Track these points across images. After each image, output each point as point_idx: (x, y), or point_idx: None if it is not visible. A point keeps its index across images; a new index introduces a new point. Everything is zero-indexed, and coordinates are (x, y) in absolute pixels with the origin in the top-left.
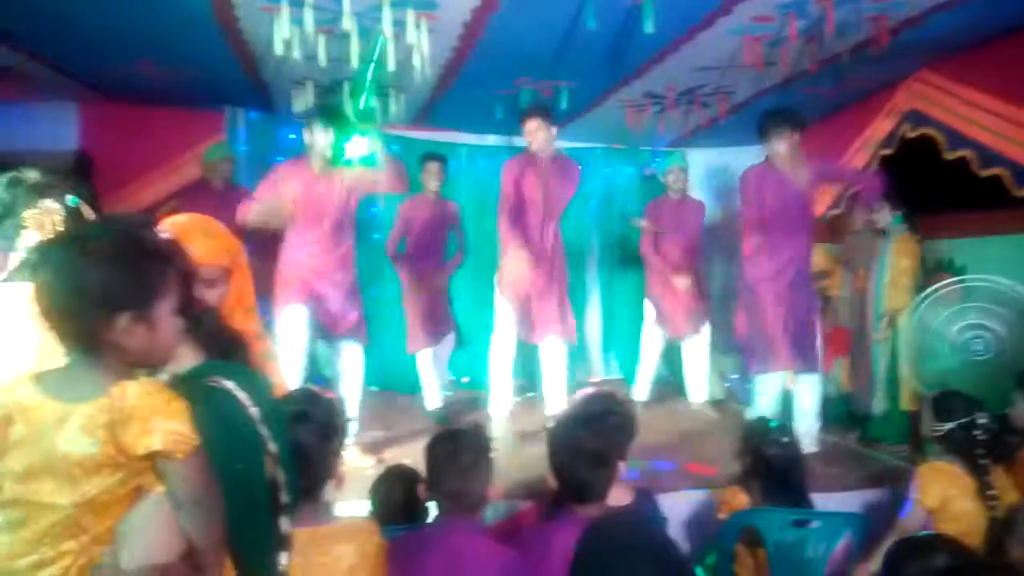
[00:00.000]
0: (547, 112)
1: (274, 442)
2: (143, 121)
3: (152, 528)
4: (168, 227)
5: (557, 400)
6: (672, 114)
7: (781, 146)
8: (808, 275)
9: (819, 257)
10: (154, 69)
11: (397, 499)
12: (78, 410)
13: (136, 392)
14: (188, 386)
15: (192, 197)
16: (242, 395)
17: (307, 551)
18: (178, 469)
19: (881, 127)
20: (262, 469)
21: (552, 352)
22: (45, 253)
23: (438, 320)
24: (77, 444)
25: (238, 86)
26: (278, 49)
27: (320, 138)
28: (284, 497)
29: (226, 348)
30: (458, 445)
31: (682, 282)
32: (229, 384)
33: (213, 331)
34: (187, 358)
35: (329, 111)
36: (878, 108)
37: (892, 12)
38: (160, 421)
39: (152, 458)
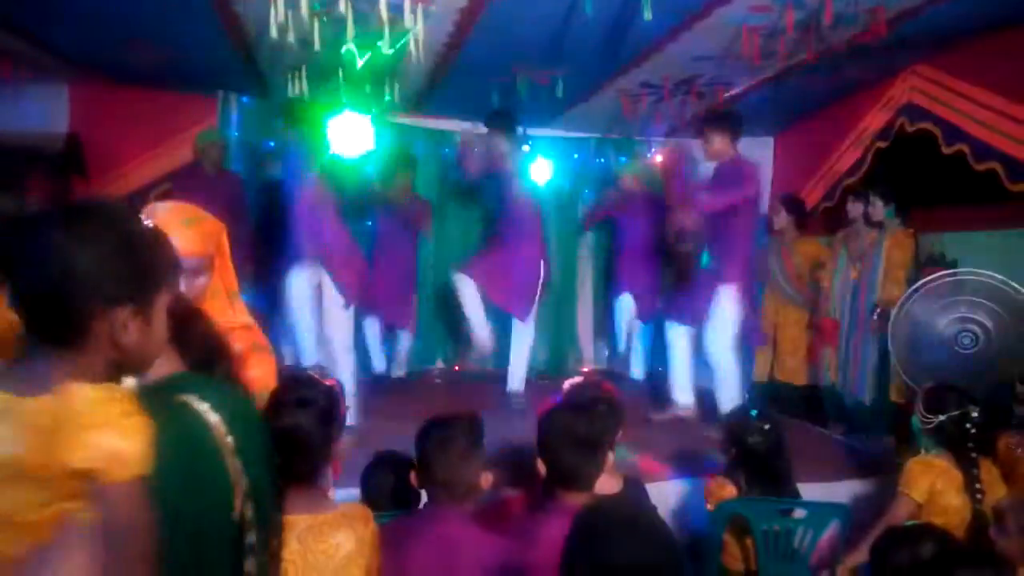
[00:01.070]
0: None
1: (247, 475)
2: (135, 104)
3: (69, 569)
4: (149, 216)
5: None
6: (668, 104)
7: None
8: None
9: (811, 248)
10: (147, 51)
11: (388, 486)
12: (21, 405)
13: (89, 397)
14: (155, 400)
15: (183, 181)
16: (215, 419)
17: (305, 538)
18: (112, 495)
19: (877, 120)
20: (228, 508)
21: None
22: (30, 226)
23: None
24: (1, 443)
25: (231, 70)
26: (273, 33)
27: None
28: (251, 537)
29: (209, 356)
30: (450, 433)
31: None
32: (203, 406)
33: (197, 335)
34: (162, 367)
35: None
36: (874, 101)
37: (890, 4)
38: (107, 435)
39: (86, 478)
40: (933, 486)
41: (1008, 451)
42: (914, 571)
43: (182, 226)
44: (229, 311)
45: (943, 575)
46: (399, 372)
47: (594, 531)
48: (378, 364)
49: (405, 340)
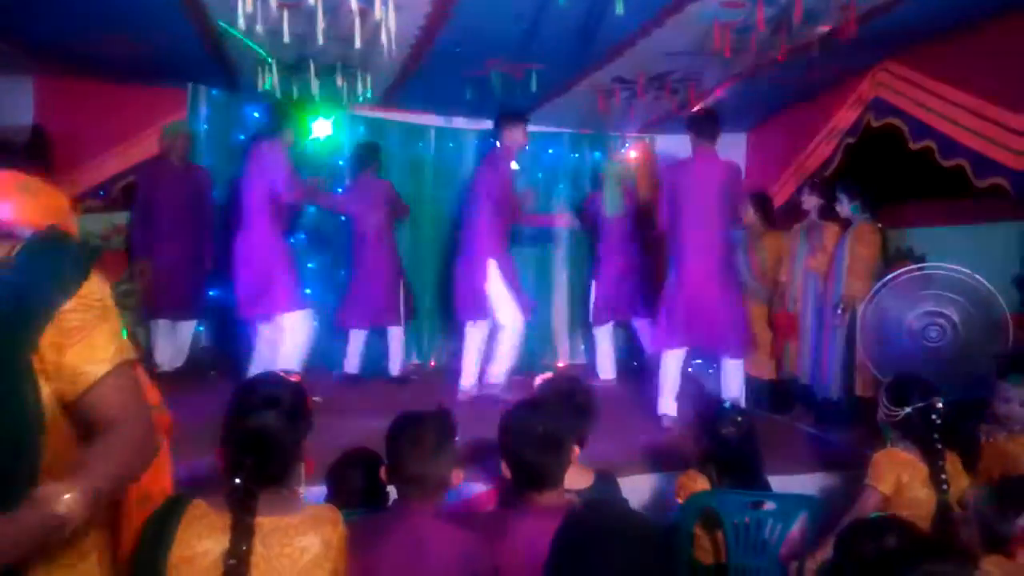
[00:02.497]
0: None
1: None
2: (102, 97)
3: None
4: None
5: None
6: (641, 100)
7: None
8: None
9: (777, 243)
10: (114, 44)
11: (357, 483)
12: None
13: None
14: None
15: (147, 172)
16: None
17: (269, 541)
18: None
19: (846, 116)
20: None
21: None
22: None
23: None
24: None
25: (200, 63)
26: (241, 25)
27: None
28: None
29: None
30: (421, 428)
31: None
32: None
33: None
34: None
35: None
36: (845, 97)
37: (860, 0)
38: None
39: None
40: (899, 478)
41: (992, 444)
42: (879, 563)
43: (16, 191)
44: None
45: (908, 567)
46: (394, 372)
47: (584, 537)
48: (351, 368)
49: (395, 338)
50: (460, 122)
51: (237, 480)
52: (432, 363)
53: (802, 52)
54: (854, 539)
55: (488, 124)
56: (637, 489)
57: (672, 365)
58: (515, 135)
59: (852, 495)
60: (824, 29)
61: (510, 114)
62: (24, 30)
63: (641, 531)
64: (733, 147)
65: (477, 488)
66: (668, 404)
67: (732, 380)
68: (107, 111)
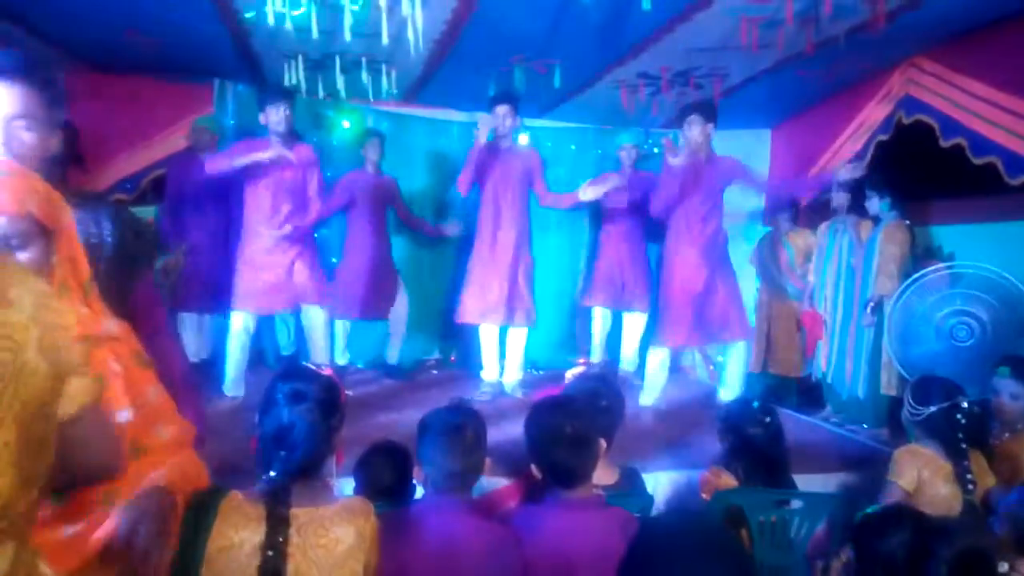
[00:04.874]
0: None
1: None
2: (130, 93)
3: None
4: None
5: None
6: (666, 96)
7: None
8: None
9: (804, 240)
10: (142, 40)
11: (385, 477)
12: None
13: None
14: None
15: (176, 167)
16: None
17: (305, 532)
18: None
19: (876, 113)
20: None
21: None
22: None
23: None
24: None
25: (227, 58)
26: (269, 20)
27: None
28: None
29: None
30: (458, 423)
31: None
32: None
33: None
34: None
35: None
36: (873, 94)
37: None
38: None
39: None
40: (920, 475)
41: (1000, 445)
42: (897, 554)
43: None
44: (84, 311)
45: (923, 553)
46: (392, 360)
47: (663, 549)
48: (340, 358)
49: (395, 328)
50: (484, 118)
51: (271, 472)
52: (452, 358)
53: (830, 47)
54: (865, 531)
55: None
56: (660, 484)
57: (659, 360)
58: (496, 118)
59: (875, 493)
60: (852, 24)
61: (494, 97)
62: (55, 27)
63: (719, 542)
64: (758, 144)
65: (500, 482)
66: (650, 398)
67: (735, 368)
68: (135, 106)
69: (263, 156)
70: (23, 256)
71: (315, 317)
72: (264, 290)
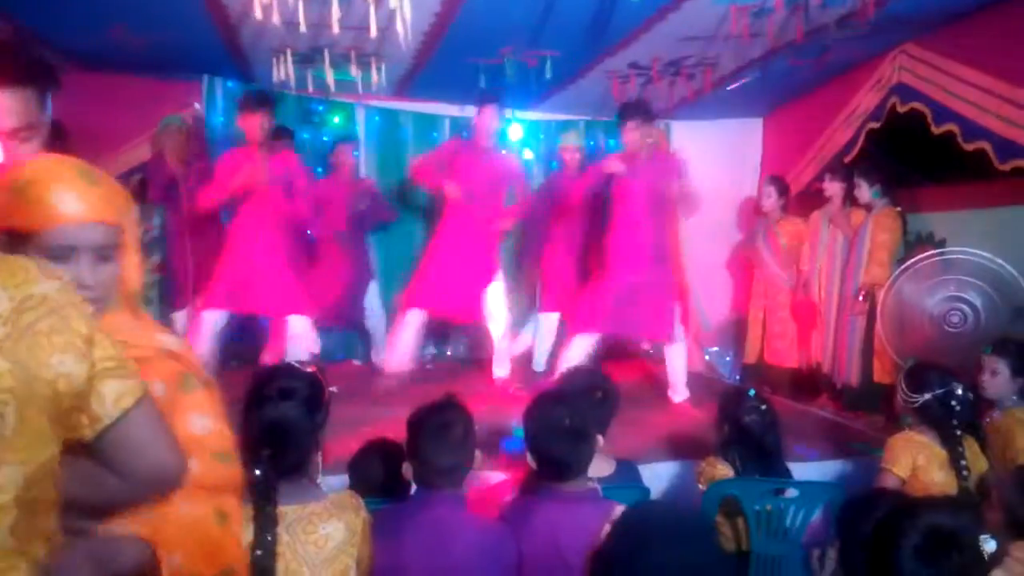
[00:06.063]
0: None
1: None
2: (118, 91)
3: None
4: (31, 171)
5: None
6: (657, 86)
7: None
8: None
9: (797, 228)
10: (129, 37)
11: (379, 474)
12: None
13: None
14: None
15: (152, 171)
16: None
17: (294, 530)
18: None
19: (867, 100)
20: None
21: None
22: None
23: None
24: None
25: (215, 54)
26: (257, 14)
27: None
28: None
29: None
30: (447, 419)
31: None
32: None
33: None
34: None
35: None
36: (863, 81)
37: None
38: None
39: None
40: (915, 461)
41: (989, 423)
42: (879, 532)
43: (82, 181)
44: (135, 325)
45: (908, 523)
46: (376, 359)
47: (639, 539)
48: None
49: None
50: (474, 111)
51: (257, 471)
52: (448, 352)
53: (820, 35)
54: (847, 517)
55: (505, 113)
56: (657, 476)
57: (580, 350)
58: (483, 119)
59: (869, 480)
60: (843, 12)
61: (481, 98)
62: (43, 25)
63: (694, 531)
64: (750, 133)
65: (494, 476)
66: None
67: (676, 364)
68: (123, 104)
69: (252, 180)
70: (106, 267)
71: (297, 320)
72: (242, 290)
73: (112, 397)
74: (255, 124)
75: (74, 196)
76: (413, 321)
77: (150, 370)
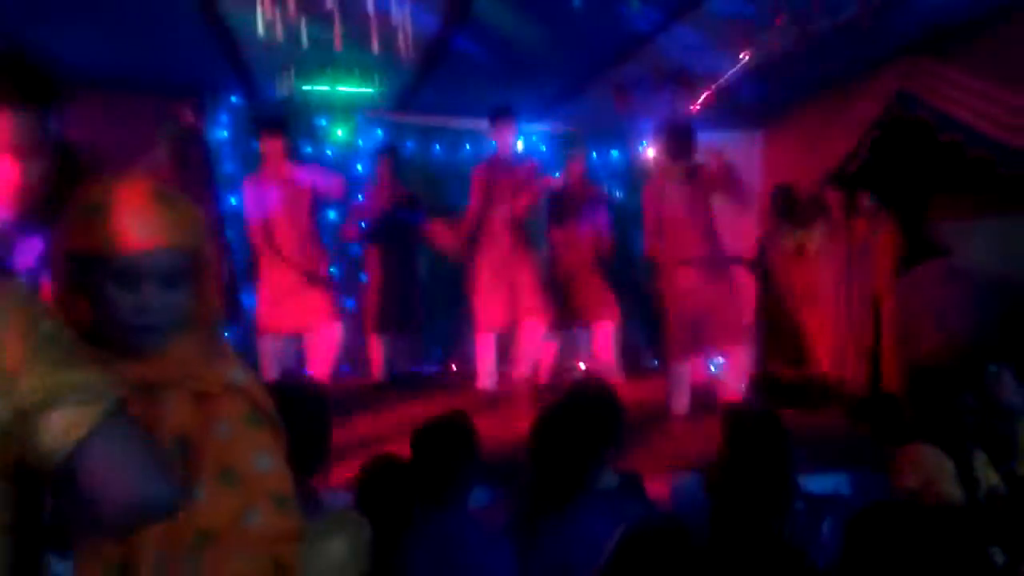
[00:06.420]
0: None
1: None
2: (122, 108)
3: None
4: (99, 193)
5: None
6: (658, 97)
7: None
8: None
9: (798, 238)
10: (132, 54)
11: (385, 491)
12: None
13: None
14: None
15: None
16: None
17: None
18: None
19: (870, 110)
20: None
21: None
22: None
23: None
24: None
25: (218, 71)
26: (259, 31)
27: None
28: None
29: None
30: (449, 435)
31: None
32: None
33: None
34: None
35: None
36: (865, 91)
37: None
38: None
39: None
40: (924, 472)
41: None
42: (894, 548)
43: (151, 205)
44: (212, 355)
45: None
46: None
47: (642, 558)
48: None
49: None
50: (476, 124)
51: None
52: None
53: (821, 45)
54: (858, 529)
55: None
56: (661, 490)
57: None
58: (501, 133)
59: (880, 492)
60: (842, 21)
61: (495, 112)
62: (42, 42)
63: (696, 547)
64: (751, 144)
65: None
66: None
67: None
68: (127, 122)
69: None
70: (174, 293)
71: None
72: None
73: (60, 428)
74: (277, 146)
75: (140, 222)
76: (485, 343)
77: (216, 408)
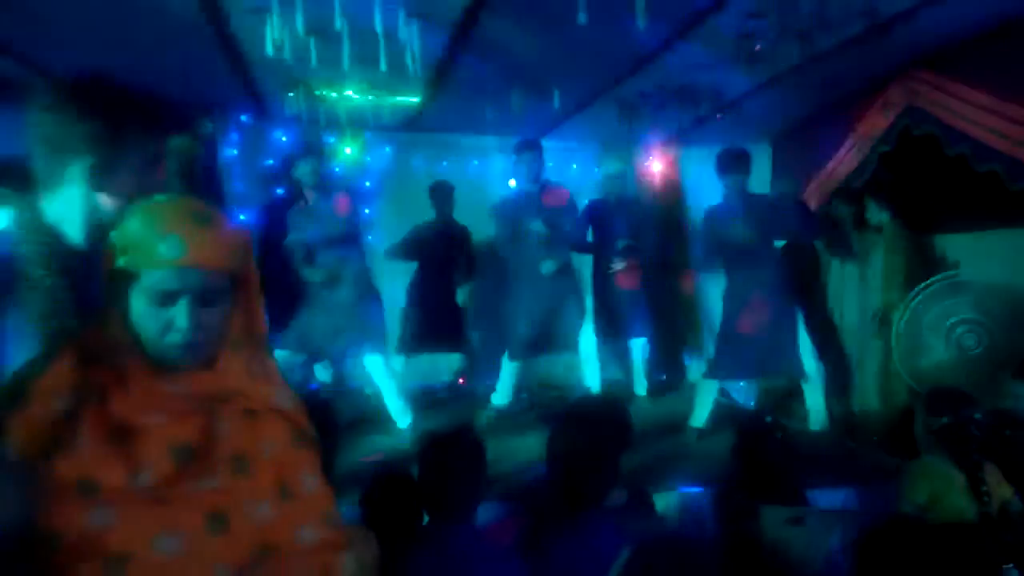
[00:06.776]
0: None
1: None
2: None
3: None
4: (144, 212)
5: None
6: (665, 113)
7: None
8: None
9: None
10: (140, 73)
11: (391, 506)
12: None
13: None
14: None
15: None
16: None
17: None
18: None
19: (877, 124)
20: None
21: None
22: None
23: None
24: None
25: (227, 89)
26: (269, 51)
27: None
28: None
29: None
30: (457, 450)
31: None
32: None
33: None
34: None
35: None
36: (872, 105)
37: (882, 8)
38: None
39: None
40: (933, 487)
41: None
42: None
43: (188, 224)
44: (257, 375)
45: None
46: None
47: (657, 570)
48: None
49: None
50: (485, 141)
51: None
52: (461, 381)
53: (827, 60)
54: (868, 544)
55: (511, 141)
56: (670, 505)
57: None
58: (528, 165)
59: (887, 506)
60: (848, 37)
61: (520, 145)
62: (49, 61)
63: (704, 564)
64: (758, 157)
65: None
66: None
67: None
68: None
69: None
70: (211, 312)
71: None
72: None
73: None
74: (309, 169)
75: (176, 240)
76: (512, 369)
77: (262, 427)
